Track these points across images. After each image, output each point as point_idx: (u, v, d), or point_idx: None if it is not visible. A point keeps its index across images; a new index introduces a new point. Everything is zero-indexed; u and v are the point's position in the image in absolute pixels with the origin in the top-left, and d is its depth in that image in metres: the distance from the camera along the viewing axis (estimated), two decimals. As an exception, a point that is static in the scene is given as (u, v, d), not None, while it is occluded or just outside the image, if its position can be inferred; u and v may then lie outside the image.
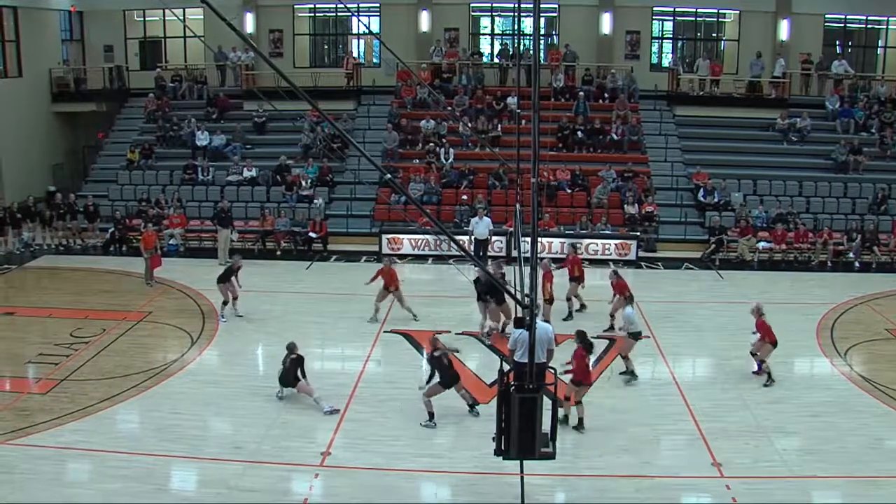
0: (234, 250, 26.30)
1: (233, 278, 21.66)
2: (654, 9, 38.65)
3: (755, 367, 18.40)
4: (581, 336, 15.89)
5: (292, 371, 16.49)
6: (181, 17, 30.42)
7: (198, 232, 29.56)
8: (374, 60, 40.02)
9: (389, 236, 29.02)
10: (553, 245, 27.92)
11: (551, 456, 12.07)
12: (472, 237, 27.11)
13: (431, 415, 15.84)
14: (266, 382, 17.58)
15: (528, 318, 11.02)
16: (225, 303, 21.57)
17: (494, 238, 28.13)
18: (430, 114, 34.30)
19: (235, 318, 21.55)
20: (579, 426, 15.57)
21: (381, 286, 21.66)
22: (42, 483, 13.50)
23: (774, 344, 18.06)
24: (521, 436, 11.29)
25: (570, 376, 15.63)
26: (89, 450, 14.67)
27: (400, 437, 15.43)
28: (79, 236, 30.11)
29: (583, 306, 22.27)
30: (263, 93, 28.47)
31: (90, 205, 30.21)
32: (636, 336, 18.11)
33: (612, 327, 20.87)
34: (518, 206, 20.21)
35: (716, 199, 30.81)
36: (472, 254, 25.36)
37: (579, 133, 33.52)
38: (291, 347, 16.73)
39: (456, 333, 20.25)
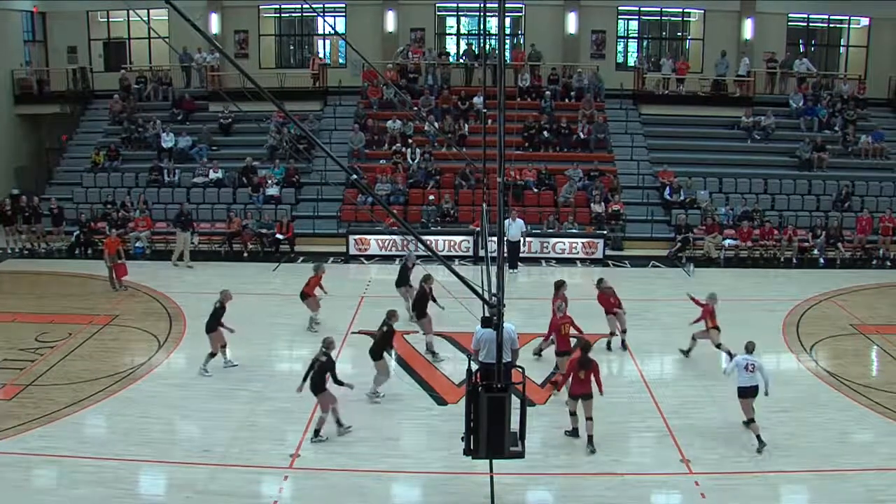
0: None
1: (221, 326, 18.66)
2: (620, 8, 38.88)
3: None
4: (584, 346, 15.49)
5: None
6: (145, 18, 30.16)
7: (164, 234, 29.32)
8: (341, 61, 39.91)
9: (356, 237, 28.97)
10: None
11: (520, 455, 12.10)
12: (505, 238, 27.01)
13: None
14: (234, 385, 17.52)
15: (495, 318, 11.03)
16: (212, 354, 18.47)
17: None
18: (397, 114, 34.27)
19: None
20: (573, 434, 15.50)
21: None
22: (8, 490, 13.37)
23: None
24: (490, 435, 11.30)
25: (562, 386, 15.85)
26: (56, 455, 14.53)
27: (369, 438, 15.42)
28: (43, 240, 29.79)
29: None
30: (229, 94, 28.25)
31: (54, 207, 29.89)
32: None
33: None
34: (485, 205, 20.24)
35: (682, 198, 31.00)
36: (507, 255, 25.31)
37: (545, 132, 33.60)
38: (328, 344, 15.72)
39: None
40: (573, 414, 15.44)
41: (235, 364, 18.60)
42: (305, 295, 21.44)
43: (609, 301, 19.99)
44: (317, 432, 15.19)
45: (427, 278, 20.02)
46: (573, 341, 17.05)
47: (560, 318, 17.68)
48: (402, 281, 22.20)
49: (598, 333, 19.84)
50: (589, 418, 15.08)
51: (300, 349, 20.37)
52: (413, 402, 16.98)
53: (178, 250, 27.73)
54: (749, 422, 15.27)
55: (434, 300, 20.05)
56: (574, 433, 15.42)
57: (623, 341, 20.17)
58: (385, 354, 17.38)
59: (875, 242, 29.39)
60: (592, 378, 15.12)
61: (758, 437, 15.12)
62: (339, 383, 15.47)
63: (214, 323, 18.41)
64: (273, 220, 29.80)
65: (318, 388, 15.25)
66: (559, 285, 19.36)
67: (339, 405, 15.49)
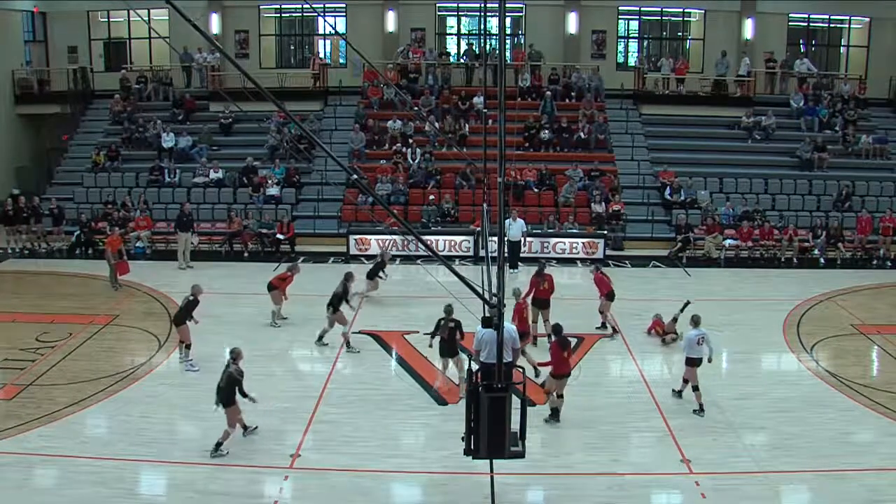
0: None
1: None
2: (620, 8, 38.89)
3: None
4: (556, 330, 16.11)
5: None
6: (146, 18, 30.17)
7: (164, 234, 29.31)
8: (341, 61, 39.92)
9: (357, 237, 28.96)
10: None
11: (521, 455, 12.09)
12: (506, 238, 26.99)
13: None
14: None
15: (495, 318, 11.02)
16: (188, 346, 19.00)
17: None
18: (397, 114, 34.26)
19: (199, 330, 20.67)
20: (554, 417, 15.78)
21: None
22: (8, 491, 13.36)
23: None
24: (491, 435, 11.29)
25: (548, 369, 16.19)
26: (57, 455, 14.53)
27: (370, 438, 15.42)
28: (44, 240, 29.79)
29: None
30: (229, 94, 28.28)
31: (55, 207, 29.88)
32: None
33: (603, 325, 21.14)
34: (485, 205, 20.25)
35: (682, 198, 30.98)
36: (508, 255, 25.47)
37: (546, 132, 33.59)
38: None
39: (424, 333, 20.09)
40: (560, 396, 15.82)
41: (196, 368, 18.56)
42: (272, 287, 21.62)
43: (605, 283, 21.01)
44: (218, 445, 14.67)
45: (349, 276, 20.59)
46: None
47: (521, 301, 18.75)
48: (373, 274, 23.33)
49: (597, 333, 19.94)
50: (561, 396, 15.94)
51: (300, 349, 20.37)
52: (413, 402, 16.97)
53: (180, 252, 27.69)
54: (695, 388, 16.50)
55: (347, 300, 20.31)
56: (555, 415, 15.80)
57: (604, 324, 21.17)
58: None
59: (875, 242, 29.37)
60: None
61: (700, 404, 16.43)
62: (244, 395, 14.98)
63: (184, 316, 18.73)
64: (273, 220, 29.78)
65: (228, 400, 14.81)
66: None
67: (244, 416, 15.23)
